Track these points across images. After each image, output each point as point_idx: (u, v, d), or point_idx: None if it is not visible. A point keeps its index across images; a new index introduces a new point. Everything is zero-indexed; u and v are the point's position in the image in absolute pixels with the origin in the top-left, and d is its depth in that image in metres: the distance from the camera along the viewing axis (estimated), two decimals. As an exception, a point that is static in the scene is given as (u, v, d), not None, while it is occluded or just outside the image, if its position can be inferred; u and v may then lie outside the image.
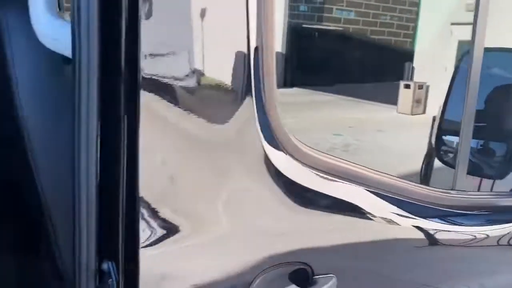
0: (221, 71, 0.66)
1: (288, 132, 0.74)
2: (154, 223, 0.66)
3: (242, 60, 0.66)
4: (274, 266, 0.77)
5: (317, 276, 0.83)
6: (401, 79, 9.40)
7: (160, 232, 0.67)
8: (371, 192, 0.84)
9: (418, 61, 9.31)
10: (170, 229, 0.67)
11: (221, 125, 0.68)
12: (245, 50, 0.66)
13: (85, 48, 0.62)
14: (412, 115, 9.12)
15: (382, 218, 0.88)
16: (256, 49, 0.68)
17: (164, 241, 0.67)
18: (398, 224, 0.89)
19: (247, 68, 0.67)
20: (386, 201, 0.86)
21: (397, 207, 0.88)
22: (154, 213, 0.65)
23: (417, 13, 9.96)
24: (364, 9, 9.52)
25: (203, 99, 0.66)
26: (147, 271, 0.66)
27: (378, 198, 0.85)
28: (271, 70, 0.71)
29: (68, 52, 0.72)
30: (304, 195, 0.78)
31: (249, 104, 0.69)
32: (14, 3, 0.85)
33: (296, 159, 0.75)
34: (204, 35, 0.63)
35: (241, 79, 0.68)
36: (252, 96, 0.69)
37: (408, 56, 9.73)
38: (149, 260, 0.66)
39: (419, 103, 9.31)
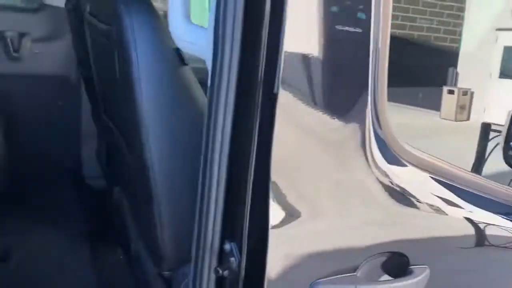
0: (347, 76, 0.74)
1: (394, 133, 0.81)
2: (281, 207, 0.74)
3: (365, 65, 0.73)
4: (378, 254, 0.83)
5: (412, 266, 0.88)
6: (444, 84, 9.25)
7: (285, 215, 0.74)
8: (467, 191, 0.89)
9: (462, 67, 9.15)
10: (294, 213, 0.75)
11: (341, 124, 0.75)
12: (367, 56, 0.73)
13: (228, 52, 0.71)
14: (456, 121, 8.96)
15: (475, 217, 0.93)
16: (374, 55, 0.75)
17: (288, 224, 0.75)
18: (492, 224, 0.94)
19: (367, 72, 0.74)
20: (480, 201, 0.91)
21: (490, 208, 0.93)
22: (282, 197, 0.73)
23: (462, 18, 9.78)
24: (411, 13, 9.43)
25: (330, 100, 0.74)
26: (273, 251, 0.74)
27: (473, 198, 0.90)
28: (384, 74, 0.77)
29: (202, 54, 0.81)
30: (407, 192, 0.84)
31: (366, 106, 0.76)
32: (139, 11, 0.96)
33: (403, 159, 0.81)
34: (335, 40, 0.71)
35: (361, 82, 0.75)
36: (368, 99, 0.75)
37: (453, 61, 9.56)
38: (275, 240, 0.74)
39: (463, 109, 9.13)
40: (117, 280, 1.86)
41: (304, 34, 0.69)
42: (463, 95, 8.78)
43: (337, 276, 0.81)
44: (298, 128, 0.72)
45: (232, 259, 0.80)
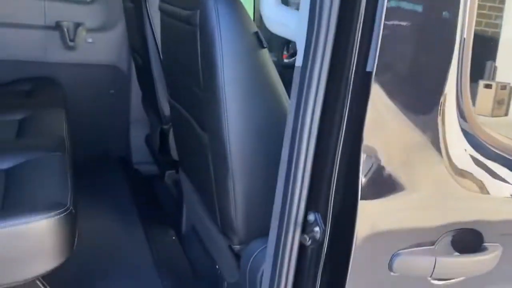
0: (436, 60, 0.78)
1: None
2: (370, 181, 0.78)
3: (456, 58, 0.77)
4: (455, 230, 0.87)
5: (486, 244, 0.91)
6: (481, 79, 9.04)
7: (374, 189, 0.78)
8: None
9: (501, 60, 8.91)
10: (381, 188, 0.79)
11: (430, 102, 0.79)
12: (456, 51, 0.77)
13: (324, 32, 0.75)
14: (493, 116, 8.75)
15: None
16: (460, 50, 0.79)
17: (376, 197, 0.79)
18: None
19: (455, 58, 0.78)
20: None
21: None
22: (371, 171, 0.77)
23: (502, 11, 9.51)
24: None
25: (421, 81, 0.78)
26: (361, 222, 0.78)
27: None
28: (468, 61, 0.81)
29: (291, 36, 0.86)
30: (486, 175, 0.88)
31: (452, 87, 0.79)
32: None
33: (485, 142, 0.85)
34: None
35: (448, 67, 0.79)
36: (454, 82, 0.79)
37: (491, 54, 9.28)
38: (362, 212, 0.78)
39: (501, 104, 8.91)
40: (171, 259, 1.94)
41: (398, 15, 0.73)
42: (501, 89, 8.57)
43: (417, 248, 0.84)
44: (390, 106, 0.76)
45: (316, 228, 0.85)
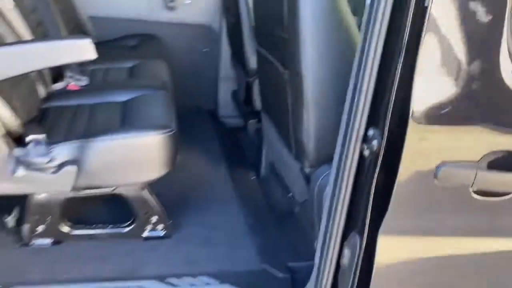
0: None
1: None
2: (420, 100, 0.94)
3: None
4: (500, 151, 0.99)
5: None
6: None
7: (425, 113, 0.94)
8: None
9: None
10: (431, 112, 0.95)
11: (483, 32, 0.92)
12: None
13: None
14: None
15: None
16: None
17: (427, 122, 0.95)
18: None
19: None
20: None
21: None
22: (420, 93, 0.93)
23: None
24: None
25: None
26: (410, 136, 0.95)
27: None
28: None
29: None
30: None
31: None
32: None
33: None
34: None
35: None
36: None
37: None
38: (413, 129, 0.94)
39: None
40: (250, 195, 2.20)
41: None
42: None
43: (461, 161, 0.99)
44: (445, 38, 0.91)
45: (375, 142, 1.02)
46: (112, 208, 1.79)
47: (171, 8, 2.97)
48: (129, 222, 1.75)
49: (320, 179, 1.39)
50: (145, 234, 1.77)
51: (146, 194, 1.72)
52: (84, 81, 2.04)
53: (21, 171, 1.39)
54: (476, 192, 1.01)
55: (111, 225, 1.75)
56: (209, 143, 2.72)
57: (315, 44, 1.22)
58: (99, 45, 2.74)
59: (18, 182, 1.43)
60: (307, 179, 1.47)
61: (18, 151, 1.42)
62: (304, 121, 1.35)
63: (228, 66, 3.05)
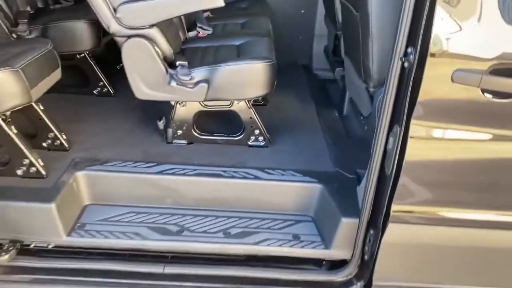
0: None
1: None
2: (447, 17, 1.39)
3: None
4: (505, 63, 1.40)
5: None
6: None
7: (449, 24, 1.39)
8: None
9: None
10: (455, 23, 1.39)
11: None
12: None
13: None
14: None
15: None
16: None
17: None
18: None
19: None
20: None
21: None
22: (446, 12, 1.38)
23: None
24: None
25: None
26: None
27: None
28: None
29: None
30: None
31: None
32: None
33: None
34: None
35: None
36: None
37: None
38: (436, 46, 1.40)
39: None
40: (332, 126, 2.72)
41: None
42: None
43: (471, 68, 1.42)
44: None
45: (411, 56, 1.49)
46: (228, 122, 2.44)
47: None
48: (239, 133, 2.39)
49: (380, 96, 1.87)
50: (250, 142, 2.40)
51: (252, 113, 2.34)
52: (209, 31, 2.71)
53: (173, 83, 2.08)
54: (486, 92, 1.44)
55: (225, 134, 2.40)
56: (302, 90, 3.26)
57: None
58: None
59: (171, 92, 2.13)
60: (371, 97, 1.95)
61: (171, 71, 2.11)
62: (369, 49, 1.84)
63: (322, 25, 3.54)
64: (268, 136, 2.41)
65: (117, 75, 2.95)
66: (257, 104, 2.84)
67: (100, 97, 2.91)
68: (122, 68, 2.09)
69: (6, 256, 1.84)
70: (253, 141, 2.40)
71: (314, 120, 2.76)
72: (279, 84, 3.23)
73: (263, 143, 2.40)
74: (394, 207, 1.67)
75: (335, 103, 3.06)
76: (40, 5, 2.90)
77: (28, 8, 2.67)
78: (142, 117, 2.59)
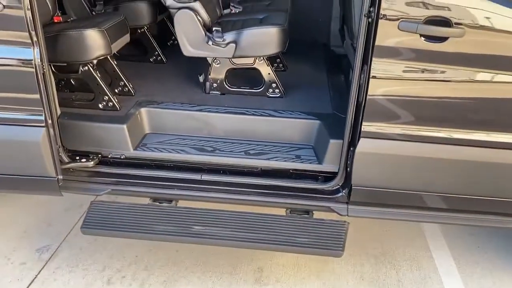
0: None
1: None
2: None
3: None
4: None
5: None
6: None
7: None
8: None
9: None
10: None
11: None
12: None
13: None
14: None
15: None
16: None
17: None
18: None
19: None
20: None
21: None
22: None
23: None
24: None
25: None
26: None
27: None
28: None
29: None
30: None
31: None
32: None
33: None
34: None
35: None
36: None
37: None
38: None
39: None
40: (338, 87, 3.37)
41: None
42: None
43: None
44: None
45: (373, 14, 2.14)
46: (251, 78, 3.16)
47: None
48: (259, 86, 3.11)
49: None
50: (268, 94, 3.10)
51: (270, 69, 3.04)
52: (239, 9, 3.45)
53: (210, 43, 2.84)
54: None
55: (249, 87, 3.12)
56: (318, 61, 3.93)
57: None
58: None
59: (208, 50, 2.89)
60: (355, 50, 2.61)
61: (209, 34, 2.87)
62: (352, 13, 2.52)
63: (337, 8, 4.19)
64: (283, 89, 3.11)
65: (168, 49, 3.78)
66: (278, 70, 3.54)
67: (155, 64, 3.71)
68: (172, 44, 2.82)
69: (92, 163, 2.64)
70: (271, 92, 3.10)
71: (323, 81, 3.44)
72: (298, 56, 3.96)
73: (279, 95, 3.10)
74: (364, 127, 2.32)
75: (344, 70, 3.71)
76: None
77: (104, -9, 3.50)
78: (187, 76, 3.36)
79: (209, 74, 3.07)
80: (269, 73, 3.06)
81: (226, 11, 3.43)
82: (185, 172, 2.65)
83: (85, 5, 3.29)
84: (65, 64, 2.67)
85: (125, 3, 3.42)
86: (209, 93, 3.12)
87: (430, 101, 2.23)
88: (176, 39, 3.07)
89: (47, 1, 2.82)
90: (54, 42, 2.53)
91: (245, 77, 3.21)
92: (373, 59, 2.18)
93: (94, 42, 2.55)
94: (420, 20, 2.06)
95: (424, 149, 2.30)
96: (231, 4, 3.44)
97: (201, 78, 3.13)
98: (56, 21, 2.84)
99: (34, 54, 2.21)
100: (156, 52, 3.69)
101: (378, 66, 2.19)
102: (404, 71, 2.18)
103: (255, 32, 2.86)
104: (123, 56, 3.39)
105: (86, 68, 2.68)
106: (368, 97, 2.25)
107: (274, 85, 3.09)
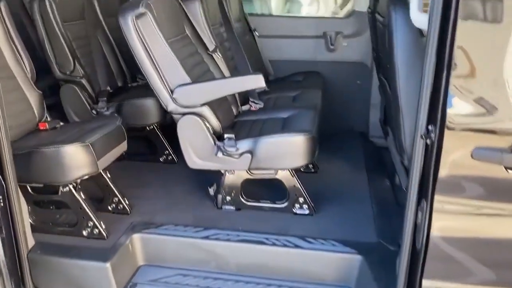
0: None
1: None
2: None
3: None
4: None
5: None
6: None
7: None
8: None
9: None
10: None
11: None
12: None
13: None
14: None
15: None
16: None
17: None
18: None
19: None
20: None
21: None
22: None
23: None
24: None
25: None
26: (449, 133, 1.45)
27: None
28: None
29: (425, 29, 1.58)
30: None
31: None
32: (399, 5, 1.80)
33: None
34: None
35: None
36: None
37: None
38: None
39: None
40: (382, 195, 2.73)
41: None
42: None
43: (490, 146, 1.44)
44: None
45: (432, 134, 1.54)
46: (273, 190, 2.57)
47: (332, 50, 3.75)
48: (284, 200, 2.50)
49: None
50: (295, 210, 2.49)
51: (295, 181, 2.45)
52: (260, 105, 2.93)
53: (220, 154, 2.29)
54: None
55: (271, 201, 2.52)
56: (356, 157, 3.33)
57: (404, 71, 1.80)
58: (275, 81, 3.76)
59: (218, 161, 2.33)
60: (406, 170, 1.98)
61: (219, 143, 2.33)
62: (401, 123, 1.91)
63: (377, 95, 3.63)
64: (312, 204, 2.49)
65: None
66: (307, 171, 2.96)
67: (165, 164, 3.21)
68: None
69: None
70: (298, 208, 2.49)
71: (363, 188, 2.80)
72: (331, 150, 3.35)
73: (307, 212, 2.48)
74: (425, 282, 1.65)
75: (389, 171, 3.07)
76: (120, 84, 3.34)
77: (108, 88, 3.09)
78: (198, 183, 2.81)
79: (222, 185, 2.51)
80: (294, 185, 2.47)
81: (245, 107, 2.92)
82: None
83: (85, 103, 2.89)
84: (42, 186, 2.19)
85: (130, 100, 2.99)
86: (221, 208, 2.54)
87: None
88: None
89: (32, 104, 2.41)
90: (27, 161, 2.06)
91: (265, 187, 2.63)
92: (436, 195, 1.55)
93: (75, 160, 2.07)
94: (506, 149, 1.44)
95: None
96: (250, 99, 2.93)
97: (211, 190, 2.57)
98: (41, 128, 2.40)
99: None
100: (167, 151, 3.20)
101: (442, 203, 1.55)
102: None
103: (276, 141, 2.30)
104: (130, 155, 2.91)
105: (67, 189, 2.18)
106: (430, 241, 1.60)
107: (301, 199, 2.48)
